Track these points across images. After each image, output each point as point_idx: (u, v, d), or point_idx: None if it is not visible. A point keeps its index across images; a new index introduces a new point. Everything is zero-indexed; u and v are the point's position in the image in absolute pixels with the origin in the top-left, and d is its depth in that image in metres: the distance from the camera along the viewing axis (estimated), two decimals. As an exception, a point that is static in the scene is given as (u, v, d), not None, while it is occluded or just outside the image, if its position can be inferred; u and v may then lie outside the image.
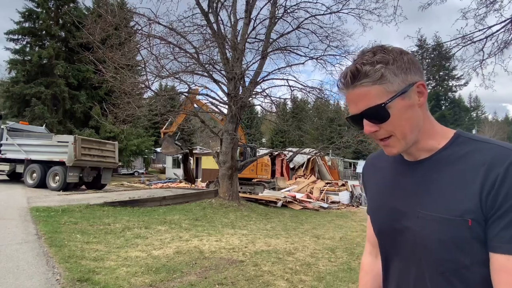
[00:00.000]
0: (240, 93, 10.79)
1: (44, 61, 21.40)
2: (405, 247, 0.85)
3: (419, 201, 0.82)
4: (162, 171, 32.24)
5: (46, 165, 12.37)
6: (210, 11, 10.74)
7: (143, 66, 11.58)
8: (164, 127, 14.00)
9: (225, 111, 11.53)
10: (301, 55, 11.98)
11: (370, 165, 1.06)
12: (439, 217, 0.76)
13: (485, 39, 8.23)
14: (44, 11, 21.94)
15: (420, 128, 0.81)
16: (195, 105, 12.55)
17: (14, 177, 13.67)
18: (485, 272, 0.73)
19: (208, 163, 19.78)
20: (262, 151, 18.93)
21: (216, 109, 12.11)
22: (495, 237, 0.71)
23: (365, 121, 0.80)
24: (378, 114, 0.78)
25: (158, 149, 37.41)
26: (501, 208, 0.70)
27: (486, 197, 0.72)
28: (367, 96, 0.78)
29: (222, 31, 11.04)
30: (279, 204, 12.27)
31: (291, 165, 20.26)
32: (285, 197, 13.12)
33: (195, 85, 11.36)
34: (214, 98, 11.43)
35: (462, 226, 0.73)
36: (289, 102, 16.37)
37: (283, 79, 11.87)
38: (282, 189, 16.06)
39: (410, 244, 0.83)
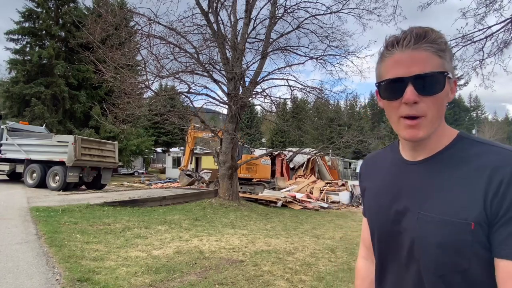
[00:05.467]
0: (240, 93, 10.79)
1: (44, 61, 21.37)
2: (403, 249, 0.82)
3: (419, 202, 0.80)
4: (162, 171, 32.26)
5: (46, 165, 12.37)
6: (210, 11, 10.74)
7: (143, 66, 11.59)
8: (181, 165, 17.35)
9: (225, 111, 11.53)
10: (301, 55, 12.02)
11: (368, 165, 1.02)
12: (440, 218, 0.74)
13: (485, 39, 8.21)
14: (44, 11, 21.92)
15: (440, 122, 0.80)
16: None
17: (14, 177, 13.67)
18: (484, 276, 0.71)
19: (208, 163, 19.75)
20: (260, 151, 18.83)
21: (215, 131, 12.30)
22: (501, 243, 0.68)
23: (410, 88, 0.75)
24: (434, 82, 0.75)
25: (158, 149, 37.58)
26: (508, 213, 0.68)
27: (491, 201, 0.70)
28: (426, 61, 0.75)
29: (222, 31, 11.04)
30: (279, 204, 12.27)
31: (291, 165, 20.22)
32: (285, 197, 13.12)
33: (195, 85, 11.38)
34: (214, 98, 11.46)
35: (464, 229, 0.71)
36: (289, 102, 16.39)
37: (283, 79, 11.90)
38: (282, 189, 16.05)
39: (409, 246, 0.80)
